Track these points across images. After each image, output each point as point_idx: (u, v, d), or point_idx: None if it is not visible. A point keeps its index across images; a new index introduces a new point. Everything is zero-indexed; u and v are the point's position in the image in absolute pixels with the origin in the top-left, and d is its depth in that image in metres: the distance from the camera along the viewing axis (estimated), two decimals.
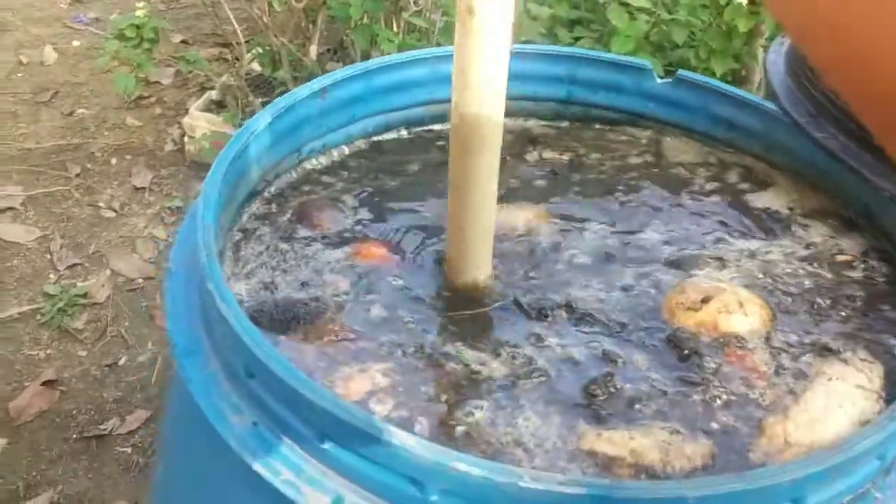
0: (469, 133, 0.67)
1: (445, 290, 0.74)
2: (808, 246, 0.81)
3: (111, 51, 1.91)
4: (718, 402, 0.64)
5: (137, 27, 1.92)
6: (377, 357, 0.66)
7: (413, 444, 0.51)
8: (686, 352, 0.68)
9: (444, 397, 0.63)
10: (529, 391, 0.64)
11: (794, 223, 0.84)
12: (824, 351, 0.69)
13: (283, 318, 0.67)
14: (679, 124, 0.93)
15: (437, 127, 0.94)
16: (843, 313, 0.73)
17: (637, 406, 0.63)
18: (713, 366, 0.67)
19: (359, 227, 0.81)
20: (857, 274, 0.78)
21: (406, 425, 0.61)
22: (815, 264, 0.78)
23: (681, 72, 0.90)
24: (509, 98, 0.95)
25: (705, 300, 0.71)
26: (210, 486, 0.63)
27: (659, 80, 0.91)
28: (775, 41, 0.94)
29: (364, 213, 0.83)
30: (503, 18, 0.62)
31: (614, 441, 0.59)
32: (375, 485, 0.53)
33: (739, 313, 0.71)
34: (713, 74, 1.76)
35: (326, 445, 0.54)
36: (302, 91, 0.81)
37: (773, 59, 0.90)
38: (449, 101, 0.94)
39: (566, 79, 0.93)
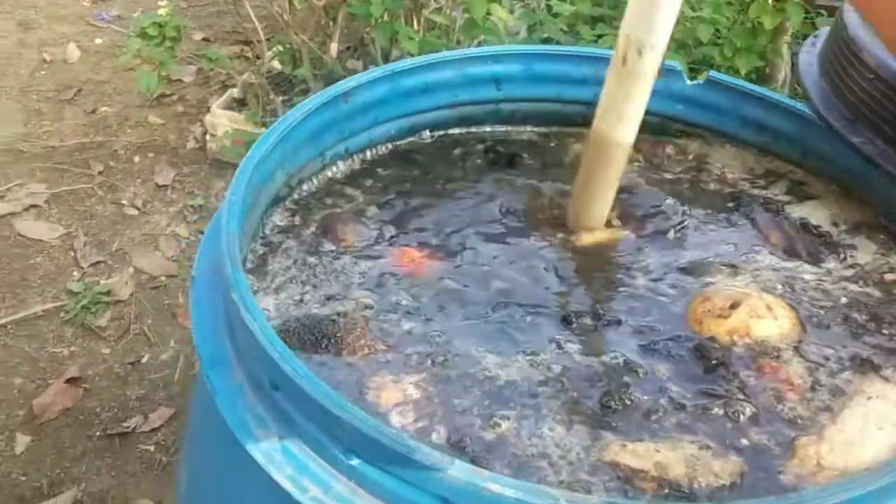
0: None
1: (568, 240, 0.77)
2: (853, 265, 0.79)
3: (134, 49, 1.92)
4: (748, 416, 0.62)
5: (160, 25, 1.92)
6: (408, 368, 0.66)
7: (445, 463, 0.50)
8: (714, 362, 0.67)
9: (473, 409, 0.62)
10: (552, 399, 0.63)
11: (840, 241, 0.82)
12: (864, 367, 0.67)
13: (312, 337, 0.67)
14: (708, 127, 0.91)
15: (460, 130, 0.93)
16: (885, 331, 0.71)
17: (663, 418, 0.62)
18: (744, 377, 0.66)
19: (386, 236, 0.80)
20: None
21: (433, 436, 0.60)
22: (861, 282, 0.76)
23: (711, 73, 0.88)
24: (536, 100, 0.94)
25: (734, 306, 0.70)
26: (234, 498, 0.63)
27: (689, 83, 0.89)
28: (807, 42, 0.91)
29: (391, 221, 0.82)
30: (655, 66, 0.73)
31: (639, 453, 0.58)
32: (404, 503, 0.52)
33: (769, 317, 0.70)
34: (737, 72, 1.73)
35: (355, 462, 0.54)
36: (324, 95, 0.80)
37: (805, 59, 0.87)
38: (475, 103, 0.94)
39: (592, 80, 0.91)
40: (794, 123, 0.86)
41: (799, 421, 0.62)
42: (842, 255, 0.80)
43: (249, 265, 0.75)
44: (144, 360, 1.71)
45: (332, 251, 0.78)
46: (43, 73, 2.57)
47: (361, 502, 0.54)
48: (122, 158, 2.24)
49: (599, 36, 1.90)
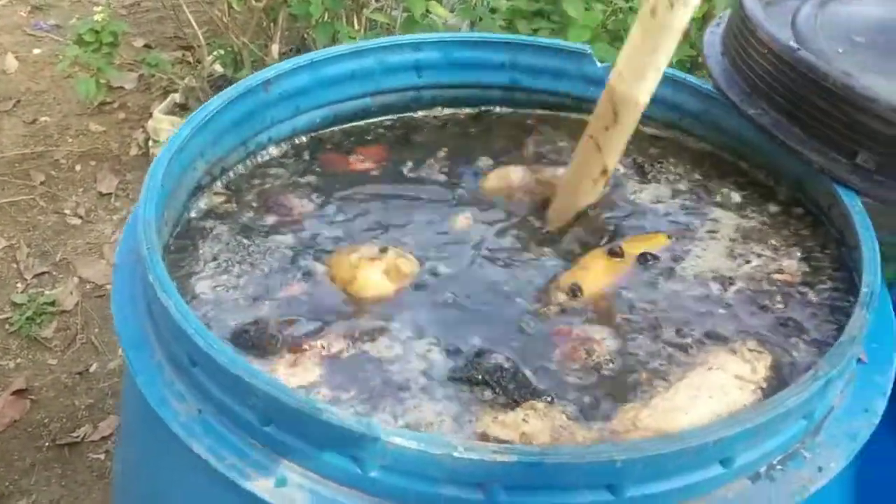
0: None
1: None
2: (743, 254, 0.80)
3: (71, 56, 1.90)
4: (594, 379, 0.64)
5: (96, 31, 1.91)
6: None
7: (351, 422, 0.52)
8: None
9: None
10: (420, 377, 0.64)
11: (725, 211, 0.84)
12: (712, 340, 0.68)
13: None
14: None
15: (385, 118, 0.96)
16: (745, 307, 0.72)
17: (525, 387, 0.63)
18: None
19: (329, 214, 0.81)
20: (779, 276, 0.76)
21: None
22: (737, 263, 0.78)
23: None
24: (456, 87, 0.97)
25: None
26: (160, 475, 0.64)
27: (599, 65, 0.93)
28: (712, 22, 0.96)
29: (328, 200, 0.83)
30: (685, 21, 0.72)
31: (507, 424, 0.59)
32: (318, 464, 0.55)
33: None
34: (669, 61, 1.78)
35: (269, 429, 0.56)
36: (245, 84, 0.82)
37: (709, 39, 0.92)
38: (397, 91, 0.96)
39: (508, 65, 0.94)
40: (698, 100, 0.90)
41: (636, 388, 0.64)
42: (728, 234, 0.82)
43: (183, 252, 0.76)
44: (92, 369, 1.70)
45: (268, 226, 0.79)
46: None
47: (277, 467, 0.56)
48: (64, 168, 2.22)
49: (535, 30, 1.94)
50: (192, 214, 0.79)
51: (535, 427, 0.58)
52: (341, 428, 0.52)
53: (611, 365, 0.66)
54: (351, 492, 0.54)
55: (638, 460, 0.51)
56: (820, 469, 0.58)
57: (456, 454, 0.50)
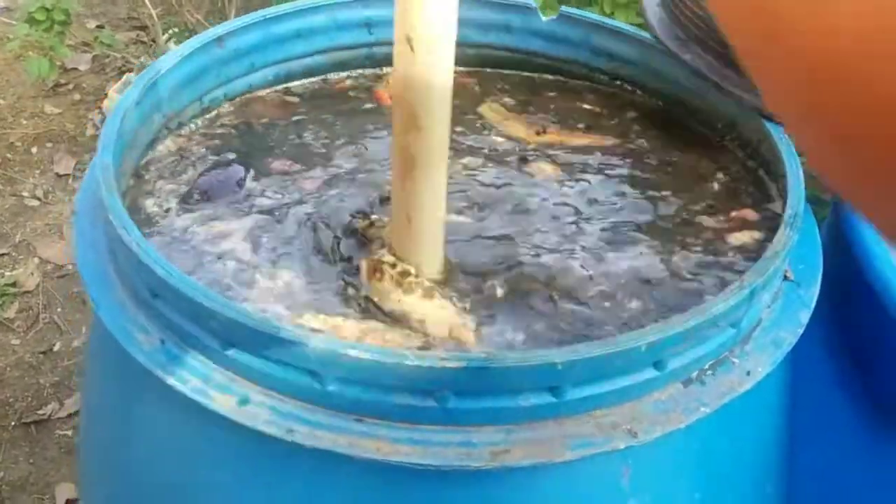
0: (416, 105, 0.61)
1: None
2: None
3: (21, 35, 1.88)
4: None
5: (47, 10, 1.89)
6: None
7: (307, 337, 0.55)
8: None
9: None
10: None
11: None
12: None
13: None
14: (566, 59, 0.98)
15: (340, 75, 0.98)
16: None
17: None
18: None
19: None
20: None
21: None
22: None
23: (563, 8, 0.95)
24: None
25: None
26: (126, 408, 0.67)
27: (544, 19, 0.96)
28: None
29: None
30: None
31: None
32: (277, 382, 0.57)
33: None
34: None
35: (230, 352, 0.58)
36: (198, 39, 0.84)
37: None
38: (349, 48, 0.98)
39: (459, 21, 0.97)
40: (637, 49, 0.95)
41: None
42: None
43: (140, 199, 0.78)
44: (56, 347, 1.70)
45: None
46: None
47: (238, 387, 0.58)
48: (20, 150, 2.19)
49: None
50: (147, 161, 0.81)
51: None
52: (298, 344, 0.55)
53: None
54: (311, 407, 0.57)
55: (576, 362, 0.54)
56: (748, 373, 0.62)
57: (407, 362, 0.53)
